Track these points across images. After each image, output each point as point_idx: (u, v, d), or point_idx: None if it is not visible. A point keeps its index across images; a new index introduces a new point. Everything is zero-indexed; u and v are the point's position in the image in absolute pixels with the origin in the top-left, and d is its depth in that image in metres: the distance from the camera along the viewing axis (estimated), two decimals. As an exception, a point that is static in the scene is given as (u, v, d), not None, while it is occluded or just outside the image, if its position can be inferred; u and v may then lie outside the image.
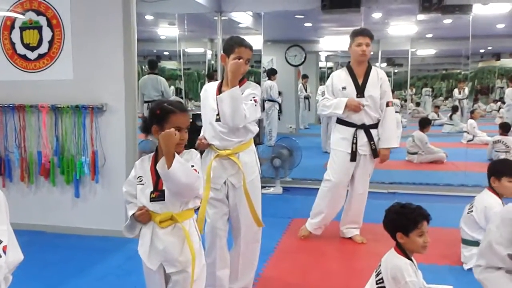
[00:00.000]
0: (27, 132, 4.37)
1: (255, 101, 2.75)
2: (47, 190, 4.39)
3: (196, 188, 2.10)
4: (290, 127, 9.98)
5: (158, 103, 2.16)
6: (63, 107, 4.23)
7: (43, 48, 4.30)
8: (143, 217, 2.11)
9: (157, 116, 2.09)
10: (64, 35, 4.23)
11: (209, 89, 2.87)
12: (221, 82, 2.83)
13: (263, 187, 5.62)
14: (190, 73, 9.84)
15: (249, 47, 2.75)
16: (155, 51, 10.86)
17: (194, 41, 8.97)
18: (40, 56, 4.31)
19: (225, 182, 2.81)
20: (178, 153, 2.05)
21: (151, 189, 2.12)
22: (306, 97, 10.59)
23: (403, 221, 2.31)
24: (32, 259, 3.65)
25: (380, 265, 2.39)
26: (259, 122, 6.53)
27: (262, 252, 3.58)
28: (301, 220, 4.31)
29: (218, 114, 2.73)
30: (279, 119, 8.93)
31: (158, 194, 2.10)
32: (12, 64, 4.37)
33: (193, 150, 2.21)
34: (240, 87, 2.69)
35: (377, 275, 2.37)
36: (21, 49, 4.35)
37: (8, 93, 4.36)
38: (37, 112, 4.32)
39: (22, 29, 4.34)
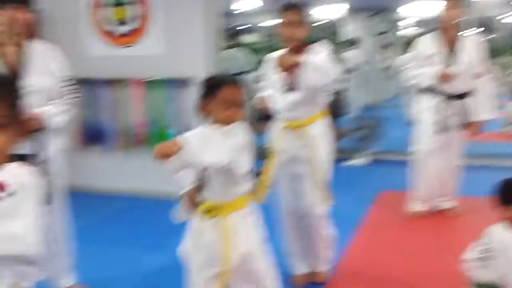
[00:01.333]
0: (121, 105, 4.63)
1: (327, 59, 2.52)
2: (143, 158, 4.65)
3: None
4: (374, 99, 9.73)
5: (210, 75, 1.96)
6: (153, 80, 4.43)
7: (133, 24, 4.50)
8: (190, 201, 1.89)
9: (207, 90, 1.85)
10: (152, 10, 4.40)
11: (273, 58, 2.74)
12: (284, 51, 2.67)
13: (346, 158, 5.66)
14: (269, 46, 9.86)
15: (291, 8, 2.55)
16: (234, 24, 10.99)
17: (274, 13, 8.92)
18: (131, 32, 4.52)
19: (292, 156, 2.68)
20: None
21: (197, 175, 1.89)
22: (389, 67, 10.23)
23: None
24: (132, 223, 3.96)
25: (484, 237, 2.28)
26: (340, 93, 6.44)
27: (348, 225, 3.59)
28: (388, 193, 4.23)
29: (286, 84, 2.61)
30: (362, 90, 8.73)
31: (201, 182, 1.87)
32: (106, 41, 4.62)
33: (240, 125, 1.87)
34: (303, 53, 2.53)
35: (480, 246, 2.26)
36: (111, 25, 4.58)
37: (103, 68, 4.62)
38: (129, 86, 4.55)
39: (111, 5, 4.55)
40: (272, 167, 2.58)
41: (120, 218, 4.17)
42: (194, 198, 1.85)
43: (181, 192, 1.90)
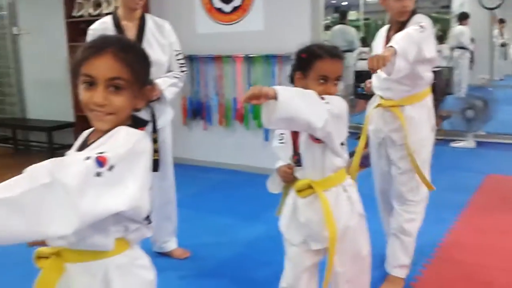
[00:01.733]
0: (224, 80, 4.79)
1: (424, 28, 2.23)
2: (241, 134, 4.80)
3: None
4: (483, 78, 9.08)
5: (306, 46, 1.75)
6: (255, 56, 4.52)
7: (237, 1, 4.60)
8: (285, 176, 1.81)
9: (302, 61, 1.72)
10: (257, -13, 4.46)
11: (380, 33, 2.59)
12: (390, 27, 2.49)
13: (453, 140, 5.40)
14: (370, 23, 9.57)
15: None
16: (334, 1, 10.78)
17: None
18: (235, 9, 4.63)
19: (383, 138, 2.49)
20: None
21: (291, 151, 1.79)
22: (503, 45, 9.44)
23: None
24: (230, 195, 4.13)
25: None
26: (446, 71, 6.09)
27: (452, 210, 3.45)
28: (496, 176, 3.99)
29: None
30: (470, 68, 8.19)
31: (296, 158, 1.77)
32: (210, 18, 4.78)
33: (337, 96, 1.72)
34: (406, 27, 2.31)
35: None
36: (217, 3, 4.72)
37: (207, 44, 4.80)
38: (232, 62, 4.69)
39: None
40: (362, 147, 2.37)
41: (219, 189, 4.35)
42: (288, 174, 1.79)
43: (276, 166, 1.85)
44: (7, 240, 0.94)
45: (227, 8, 4.67)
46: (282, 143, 1.83)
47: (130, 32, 2.57)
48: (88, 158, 1.01)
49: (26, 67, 6.26)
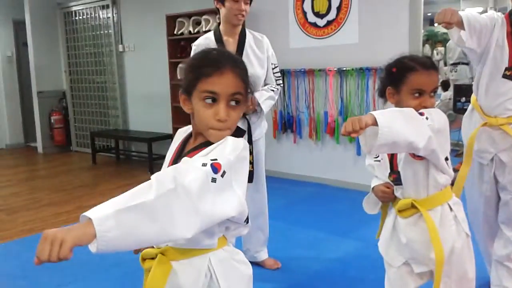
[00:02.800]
0: (315, 94, 4.78)
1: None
2: (332, 147, 4.75)
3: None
4: None
5: (397, 59, 1.65)
6: (348, 69, 4.47)
7: (331, 15, 4.59)
8: (384, 196, 1.73)
9: (393, 75, 1.63)
10: (351, 0, 4.43)
11: None
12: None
13: None
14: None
15: None
16: (429, 14, 10.38)
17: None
18: (328, 23, 4.62)
19: (492, 159, 2.27)
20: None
21: (388, 169, 1.71)
22: None
23: None
24: (319, 209, 4.10)
25: None
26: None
27: None
28: None
29: (510, 68, 2.12)
30: None
31: (395, 177, 1.68)
32: (304, 32, 4.81)
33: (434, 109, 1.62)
34: None
35: None
36: (311, 17, 4.75)
37: (299, 59, 4.83)
38: (324, 75, 4.68)
39: (313, -2, 4.72)
40: (466, 167, 2.19)
41: (308, 203, 4.33)
42: (388, 194, 1.71)
43: (372, 185, 1.78)
44: (136, 245, 1.02)
45: (321, 22, 4.68)
46: (377, 160, 1.76)
47: (231, 47, 2.66)
48: (204, 164, 1.08)
49: (129, 82, 6.70)
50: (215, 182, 1.07)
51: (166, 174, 1.05)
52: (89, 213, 0.95)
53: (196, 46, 2.68)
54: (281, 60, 4.84)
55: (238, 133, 1.27)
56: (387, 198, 1.72)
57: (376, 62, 4.26)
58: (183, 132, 1.35)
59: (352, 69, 4.44)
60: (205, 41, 2.68)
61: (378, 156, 1.76)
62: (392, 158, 1.70)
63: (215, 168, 1.08)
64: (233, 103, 1.20)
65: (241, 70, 1.22)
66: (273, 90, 2.74)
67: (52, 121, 7.27)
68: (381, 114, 1.42)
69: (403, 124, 1.43)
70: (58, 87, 7.44)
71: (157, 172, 1.05)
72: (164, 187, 1.01)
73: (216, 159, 1.09)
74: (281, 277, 2.86)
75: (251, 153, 2.53)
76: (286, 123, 5.03)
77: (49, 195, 4.91)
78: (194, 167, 1.07)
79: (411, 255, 1.67)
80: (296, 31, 4.87)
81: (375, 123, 1.40)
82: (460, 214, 1.66)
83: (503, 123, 2.18)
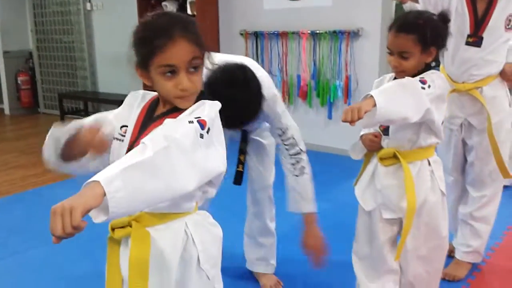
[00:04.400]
0: (288, 57, 4.75)
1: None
2: (304, 111, 4.77)
3: None
4: None
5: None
6: (321, 33, 4.44)
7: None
8: (370, 144, 1.78)
9: None
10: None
11: None
12: None
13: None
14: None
15: None
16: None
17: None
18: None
19: (462, 124, 2.33)
20: None
21: None
22: None
23: None
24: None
25: None
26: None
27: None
28: None
29: (472, 35, 2.17)
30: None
31: (385, 128, 1.75)
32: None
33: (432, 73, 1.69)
34: None
35: None
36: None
37: (273, 21, 4.77)
38: (297, 38, 4.64)
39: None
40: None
41: (279, 166, 4.34)
42: (375, 143, 1.76)
43: (361, 132, 1.83)
44: (145, 205, 1.02)
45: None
46: None
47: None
48: (191, 122, 1.09)
49: (98, 42, 6.51)
50: (203, 138, 1.09)
51: (156, 134, 1.05)
52: (95, 177, 0.93)
53: None
54: (255, 22, 4.82)
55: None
56: (374, 147, 1.78)
57: (349, 26, 4.24)
58: (140, 97, 1.31)
59: (326, 32, 4.41)
60: None
61: None
62: None
63: (201, 124, 1.10)
64: (192, 69, 1.18)
65: (192, 35, 1.17)
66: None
67: (18, 82, 7.05)
68: (381, 93, 1.51)
69: (401, 102, 1.53)
70: (25, 46, 7.18)
71: (146, 136, 1.05)
72: (158, 145, 1.01)
73: (199, 117, 1.11)
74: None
75: (243, 153, 2.28)
76: (258, 86, 4.99)
77: (17, 157, 4.81)
78: (182, 124, 1.08)
79: (383, 201, 1.75)
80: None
81: (374, 104, 1.48)
82: (438, 172, 1.75)
83: (471, 88, 2.23)
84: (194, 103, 1.20)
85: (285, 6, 4.68)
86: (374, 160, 1.78)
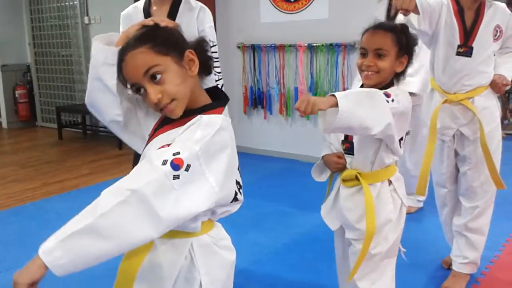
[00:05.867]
0: (286, 69, 4.78)
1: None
2: (301, 124, 4.79)
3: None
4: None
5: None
6: (318, 45, 4.48)
7: (302, -10, 4.57)
8: (337, 167, 1.74)
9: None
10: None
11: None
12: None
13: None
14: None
15: None
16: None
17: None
18: (299, -2, 4.60)
19: (454, 135, 2.35)
20: None
21: (342, 137, 1.72)
22: None
23: None
24: (290, 183, 4.14)
25: None
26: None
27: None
28: None
29: (462, 45, 2.21)
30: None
31: (348, 146, 1.70)
32: (275, 7, 4.77)
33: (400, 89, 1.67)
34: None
35: None
36: (283, -8, 4.71)
37: (270, 34, 4.80)
38: (294, 51, 4.67)
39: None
40: (432, 144, 2.29)
41: (277, 178, 4.37)
42: (340, 164, 1.72)
43: (322, 153, 1.80)
44: (96, 262, 1.02)
45: (293, -4, 4.65)
46: None
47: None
48: (165, 162, 1.03)
49: (96, 56, 6.52)
50: (179, 178, 1.03)
51: (117, 186, 1.03)
52: (40, 249, 0.98)
53: (123, 16, 2.44)
54: (252, 35, 4.85)
55: (219, 103, 1.21)
56: (339, 169, 1.74)
57: (346, 38, 4.28)
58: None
59: (322, 45, 4.45)
60: (134, 10, 2.42)
61: None
62: None
63: (176, 165, 1.03)
64: (155, 78, 1.12)
65: (143, 46, 1.12)
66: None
67: (16, 95, 7.05)
68: (345, 97, 1.44)
69: (364, 110, 1.46)
70: (22, 60, 7.21)
71: (108, 188, 1.03)
72: (112, 201, 0.99)
73: (178, 153, 1.05)
74: (250, 249, 2.90)
75: None
76: (256, 99, 5.02)
77: (15, 171, 4.80)
78: (152, 169, 1.04)
79: (343, 222, 1.76)
80: (267, 5, 4.81)
81: (335, 105, 1.41)
82: (400, 190, 1.72)
83: (463, 98, 2.26)
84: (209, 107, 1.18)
85: (282, 19, 4.72)
86: (338, 180, 1.76)
